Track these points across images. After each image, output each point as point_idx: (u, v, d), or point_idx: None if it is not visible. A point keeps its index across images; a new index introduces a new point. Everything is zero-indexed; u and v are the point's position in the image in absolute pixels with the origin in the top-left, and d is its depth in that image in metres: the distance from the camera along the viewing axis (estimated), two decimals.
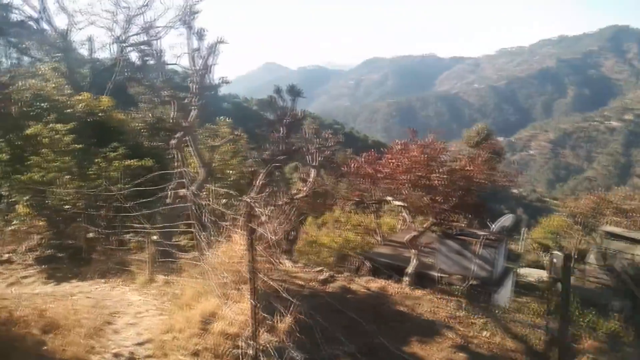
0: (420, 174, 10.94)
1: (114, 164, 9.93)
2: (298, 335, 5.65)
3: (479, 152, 11.74)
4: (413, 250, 11.91)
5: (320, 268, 12.91)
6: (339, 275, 12.39)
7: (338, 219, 24.05)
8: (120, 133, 12.18)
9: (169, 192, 9.65)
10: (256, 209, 5.00)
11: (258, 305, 5.34)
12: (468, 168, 10.96)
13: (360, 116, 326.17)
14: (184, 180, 9.66)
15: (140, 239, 9.76)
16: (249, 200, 4.64)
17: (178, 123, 9.36)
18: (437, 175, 10.76)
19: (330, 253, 20.33)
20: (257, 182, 10.04)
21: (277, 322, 5.68)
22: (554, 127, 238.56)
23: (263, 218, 10.47)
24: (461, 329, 9.29)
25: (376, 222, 20.90)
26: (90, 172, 10.15)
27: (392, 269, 12.65)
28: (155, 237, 9.75)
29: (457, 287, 11.52)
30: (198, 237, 7.42)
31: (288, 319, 5.45)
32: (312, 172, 16.78)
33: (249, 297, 5.95)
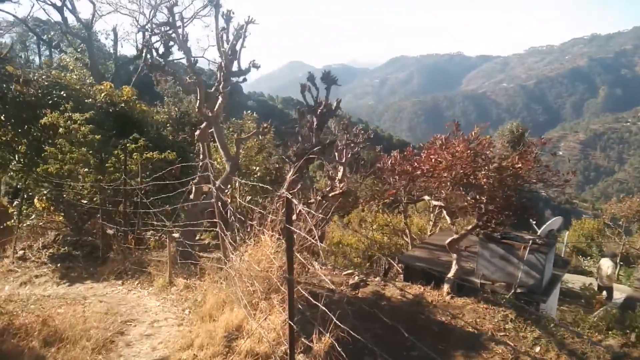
0: (464, 171, 10.00)
1: (133, 157, 9.23)
2: (337, 354, 4.79)
3: (528, 148, 10.67)
4: (453, 255, 10.96)
5: (350, 271, 12.11)
6: (370, 279, 11.54)
7: (364, 219, 23.04)
8: (142, 125, 11.51)
9: (192, 187, 8.90)
10: (296, 206, 4.13)
11: (294, 323, 4.49)
12: (518, 165, 9.95)
13: (384, 115, 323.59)
14: (208, 174, 8.93)
15: (160, 237, 9.07)
16: (287, 194, 3.78)
17: (203, 112, 8.60)
18: (485, 172, 9.79)
19: (357, 254, 19.39)
20: (289, 176, 9.22)
21: (314, 340, 4.80)
22: (584, 128, 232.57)
23: (294, 217, 9.65)
24: (510, 343, 8.31)
25: (405, 223, 19.85)
26: (109, 165, 9.48)
27: (428, 274, 11.73)
28: (176, 236, 9.04)
29: (502, 295, 10.55)
30: (222, 237, 6.63)
31: (327, 339, 4.57)
32: (341, 169, 15.96)
33: (281, 310, 5.13)
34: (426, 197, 11.87)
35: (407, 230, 19.43)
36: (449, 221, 12.44)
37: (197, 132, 8.71)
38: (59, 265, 9.12)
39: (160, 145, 10.58)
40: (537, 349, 8.18)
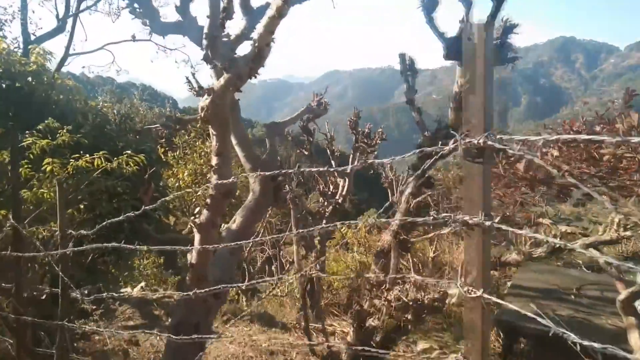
0: None
1: (44, 166, 3.84)
2: None
3: None
4: (630, 319, 6.24)
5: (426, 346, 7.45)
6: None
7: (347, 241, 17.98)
8: (69, 112, 6.14)
9: (194, 234, 3.73)
10: None
11: None
12: None
13: (322, 128, 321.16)
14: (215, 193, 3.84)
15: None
16: None
17: (223, 55, 3.45)
18: None
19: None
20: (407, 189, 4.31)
21: None
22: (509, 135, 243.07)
23: None
24: None
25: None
26: None
27: (563, 348, 6.89)
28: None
29: None
30: None
31: None
32: (344, 182, 11.44)
33: None
34: (546, 221, 7.28)
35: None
36: (601, 260, 7.78)
37: (204, 101, 3.53)
38: None
39: (104, 148, 5.22)
40: None
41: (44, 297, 4.07)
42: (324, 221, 12.34)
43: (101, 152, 4.04)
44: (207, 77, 4.82)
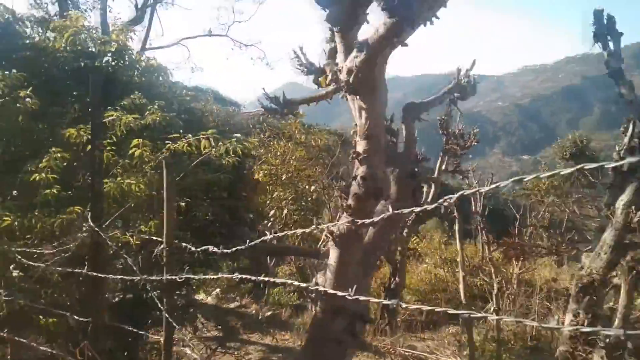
0: None
1: (134, 147, 2.88)
2: None
3: None
4: None
5: None
6: None
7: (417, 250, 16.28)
8: (152, 97, 5.35)
9: (327, 236, 2.65)
10: None
11: None
12: None
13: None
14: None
15: None
16: None
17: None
18: None
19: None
20: None
21: None
22: None
23: None
24: None
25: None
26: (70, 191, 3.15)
27: None
28: None
29: None
30: None
31: None
32: (428, 188, 10.41)
33: None
34: None
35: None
36: None
37: (352, 62, 2.44)
38: None
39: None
40: None
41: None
42: (405, 231, 11.09)
43: (210, 131, 3.06)
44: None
